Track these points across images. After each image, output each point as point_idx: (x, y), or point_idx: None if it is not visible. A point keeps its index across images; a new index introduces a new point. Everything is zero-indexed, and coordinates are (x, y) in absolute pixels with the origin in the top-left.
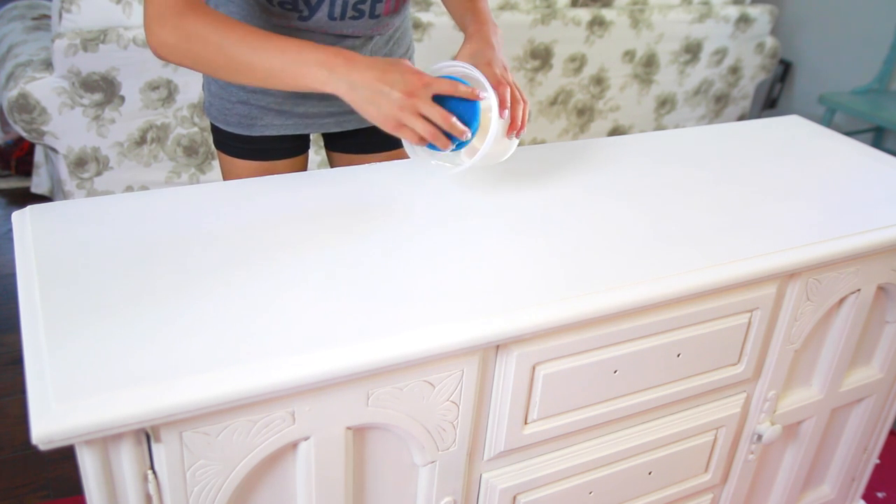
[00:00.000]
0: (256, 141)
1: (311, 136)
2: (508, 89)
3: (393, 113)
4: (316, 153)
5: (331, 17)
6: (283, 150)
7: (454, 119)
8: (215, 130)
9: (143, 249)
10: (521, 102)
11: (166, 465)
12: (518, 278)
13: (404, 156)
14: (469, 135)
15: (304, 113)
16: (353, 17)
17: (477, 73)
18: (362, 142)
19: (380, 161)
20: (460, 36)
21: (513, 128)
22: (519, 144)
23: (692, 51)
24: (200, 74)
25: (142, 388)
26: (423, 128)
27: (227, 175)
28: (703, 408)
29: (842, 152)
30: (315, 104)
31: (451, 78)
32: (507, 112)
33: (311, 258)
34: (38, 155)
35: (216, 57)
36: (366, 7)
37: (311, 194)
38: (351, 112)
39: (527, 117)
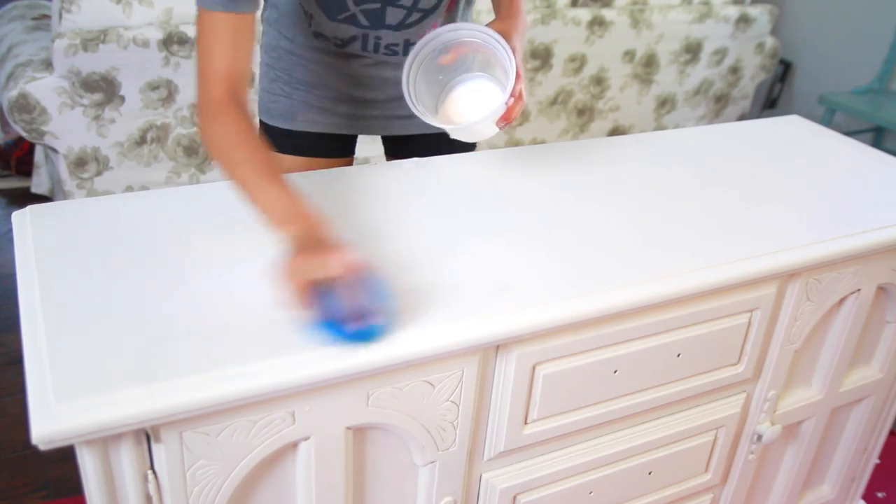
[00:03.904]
0: (297, 136)
1: (360, 149)
2: (520, 85)
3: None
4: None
5: (364, 49)
6: (325, 149)
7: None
8: (260, 125)
9: (143, 249)
10: (522, 101)
11: (166, 465)
12: (518, 278)
13: None
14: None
15: (346, 113)
16: (387, 54)
17: (504, 51)
18: (423, 148)
19: None
20: None
21: (504, 118)
22: (518, 144)
23: (692, 51)
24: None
25: (142, 388)
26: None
27: None
28: (703, 408)
29: (842, 152)
30: (358, 106)
31: (478, 37)
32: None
33: None
34: (38, 155)
35: (222, 167)
36: (399, 48)
37: (312, 194)
38: (396, 117)
39: (517, 116)
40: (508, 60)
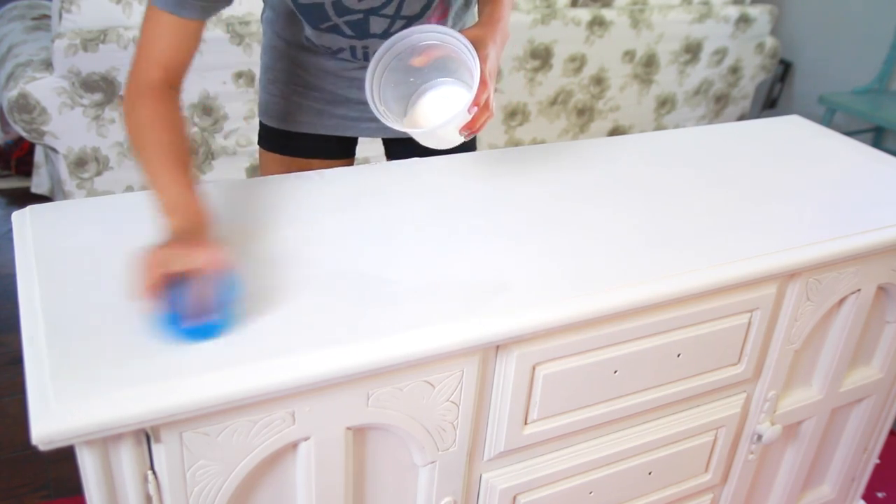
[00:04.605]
0: (296, 137)
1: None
2: (487, 94)
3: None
4: None
5: (354, 57)
6: (324, 151)
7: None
8: (260, 126)
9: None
10: (488, 112)
11: (166, 466)
12: (518, 278)
13: None
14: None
15: (343, 115)
16: None
17: (472, 57)
18: (423, 150)
19: None
20: None
21: (468, 127)
22: (518, 144)
23: (692, 51)
24: (200, 75)
25: (142, 388)
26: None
27: (264, 172)
28: (703, 408)
29: (842, 152)
30: (354, 108)
31: (444, 40)
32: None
33: (310, 258)
34: (38, 155)
35: (133, 148)
36: None
37: (309, 194)
38: None
39: (483, 127)
40: (475, 68)
